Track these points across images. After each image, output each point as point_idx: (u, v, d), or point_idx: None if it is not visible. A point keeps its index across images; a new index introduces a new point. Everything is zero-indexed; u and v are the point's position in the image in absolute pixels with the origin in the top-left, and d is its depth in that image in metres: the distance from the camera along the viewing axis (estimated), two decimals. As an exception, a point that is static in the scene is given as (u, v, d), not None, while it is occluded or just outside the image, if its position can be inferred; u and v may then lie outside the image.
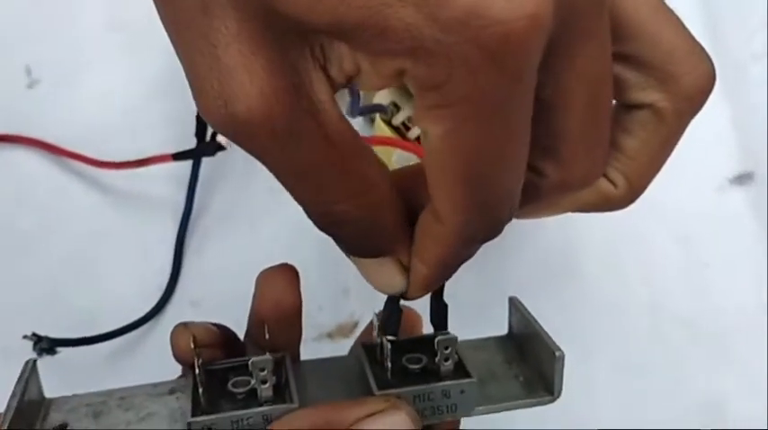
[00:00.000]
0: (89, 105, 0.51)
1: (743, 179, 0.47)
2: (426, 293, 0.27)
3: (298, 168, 0.22)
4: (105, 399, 0.29)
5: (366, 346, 0.29)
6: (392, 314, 0.28)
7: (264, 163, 0.22)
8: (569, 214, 0.46)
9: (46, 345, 0.39)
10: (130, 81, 0.52)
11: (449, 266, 0.25)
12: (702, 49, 0.27)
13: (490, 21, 0.18)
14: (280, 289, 0.29)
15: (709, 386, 0.42)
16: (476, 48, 0.18)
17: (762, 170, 0.47)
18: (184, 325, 0.29)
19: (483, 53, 0.18)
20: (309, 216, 0.23)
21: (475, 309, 0.40)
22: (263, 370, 0.26)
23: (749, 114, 0.49)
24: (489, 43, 0.18)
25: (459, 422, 0.31)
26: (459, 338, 0.28)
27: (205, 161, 0.46)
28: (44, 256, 0.46)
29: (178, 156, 0.45)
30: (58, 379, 0.41)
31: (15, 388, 0.27)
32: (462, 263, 0.25)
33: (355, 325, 0.43)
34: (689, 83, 0.26)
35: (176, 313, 0.44)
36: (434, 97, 0.20)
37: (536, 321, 0.30)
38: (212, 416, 0.26)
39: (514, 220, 0.25)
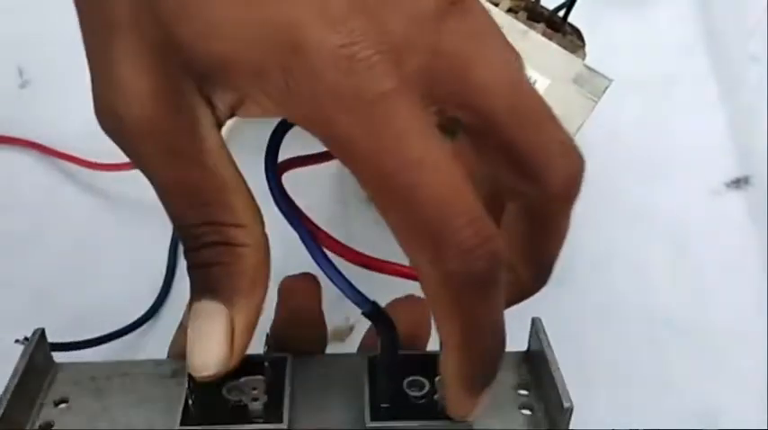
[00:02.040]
0: (81, 106, 0.50)
1: (740, 183, 0.47)
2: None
3: (168, 184, 0.23)
4: (110, 374, 0.29)
5: (371, 359, 0.29)
6: (387, 339, 0.27)
7: (141, 170, 0.24)
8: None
9: (38, 349, 0.38)
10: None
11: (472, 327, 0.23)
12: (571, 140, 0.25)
13: None
14: (302, 297, 0.31)
15: (703, 393, 0.41)
16: None
17: (759, 174, 0.47)
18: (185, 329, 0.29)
19: None
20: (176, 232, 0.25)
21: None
22: (254, 388, 0.26)
23: (746, 117, 0.49)
24: None
25: None
26: None
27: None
28: (37, 259, 0.45)
29: (172, 158, 0.44)
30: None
31: (20, 357, 0.28)
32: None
33: (351, 329, 0.43)
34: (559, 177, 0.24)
35: (172, 316, 0.44)
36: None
37: (553, 357, 0.29)
38: (199, 428, 0.26)
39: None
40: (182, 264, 0.45)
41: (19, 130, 0.49)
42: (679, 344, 0.43)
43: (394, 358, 0.27)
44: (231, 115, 0.24)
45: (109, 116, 0.23)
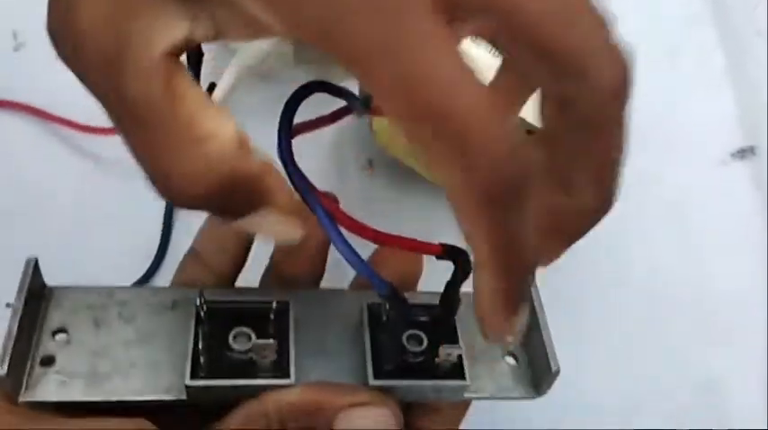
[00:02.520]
0: (77, 70, 0.50)
1: (745, 153, 0.47)
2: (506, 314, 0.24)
3: (127, 108, 0.21)
4: (106, 302, 0.29)
5: (370, 309, 0.29)
6: (398, 317, 0.28)
7: (95, 94, 0.22)
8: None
9: (31, 313, 0.38)
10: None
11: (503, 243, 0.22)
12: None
13: None
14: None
15: (705, 364, 0.41)
16: None
17: (764, 144, 0.47)
18: (195, 255, 0.31)
19: None
20: (152, 183, 0.23)
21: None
22: (264, 349, 0.26)
23: (752, 88, 0.49)
24: None
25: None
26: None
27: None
28: (31, 223, 0.45)
29: (168, 122, 0.44)
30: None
31: (18, 291, 0.28)
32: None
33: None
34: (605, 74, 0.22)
35: (167, 279, 0.43)
36: None
37: (545, 321, 0.30)
38: (211, 382, 0.26)
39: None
40: (177, 228, 0.45)
41: (13, 94, 0.48)
42: (680, 315, 0.42)
43: (400, 334, 0.28)
44: (215, 36, 0.21)
45: (63, 18, 0.21)
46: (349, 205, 0.44)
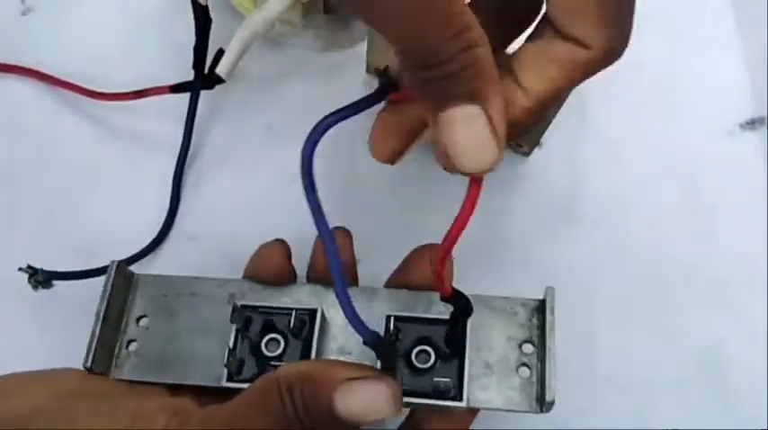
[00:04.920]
0: (84, 34, 0.50)
1: (755, 124, 0.46)
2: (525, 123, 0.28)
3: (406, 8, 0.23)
4: (180, 292, 0.34)
5: (388, 320, 0.32)
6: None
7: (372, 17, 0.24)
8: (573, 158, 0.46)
9: (41, 278, 0.38)
10: (128, 10, 0.50)
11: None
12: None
13: None
14: (342, 250, 0.33)
15: (707, 331, 0.41)
16: None
17: (774, 115, 0.46)
18: (283, 241, 0.35)
19: None
20: (407, 56, 0.24)
21: (477, 250, 0.39)
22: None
23: (763, 58, 0.48)
24: None
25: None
26: (457, 283, 0.29)
27: (203, 95, 0.45)
28: (38, 188, 0.45)
29: (176, 89, 0.43)
30: (54, 312, 0.41)
31: (102, 290, 0.33)
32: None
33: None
34: None
35: (174, 247, 0.44)
36: None
37: (553, 347, 0.30)
38: (243, 385, 0.30)
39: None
40: (185, 193, 0.45)
41: (20, 58, 0.48)
42: (684, 282, 0.42)
43: (407, 353, 0.31)
44: None
45: None
46: (357, 178, 0.45)
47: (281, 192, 0.41)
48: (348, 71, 0.47)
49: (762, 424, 0.39)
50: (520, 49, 0.29)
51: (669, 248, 0.43)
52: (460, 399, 0.30)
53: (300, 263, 0.35)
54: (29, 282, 0.38)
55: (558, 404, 0.29)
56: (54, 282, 0.39)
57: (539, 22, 0.29)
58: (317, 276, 0.34)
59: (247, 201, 0.45)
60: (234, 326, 0.32)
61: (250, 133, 0.46)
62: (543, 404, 0.30)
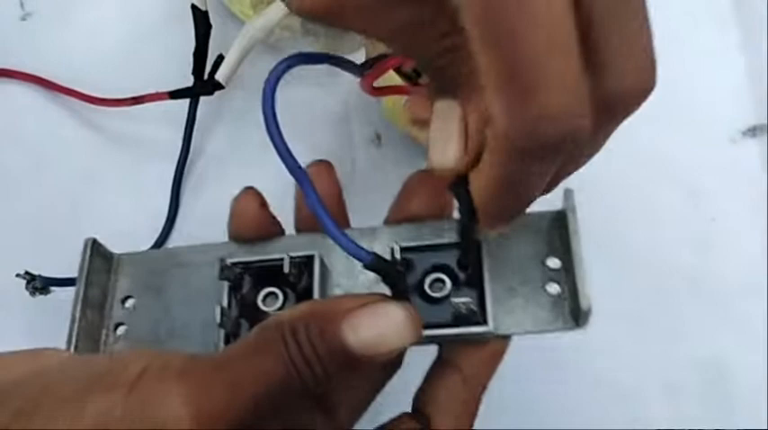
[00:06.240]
0: (84, 40, 0.50)
1: (756, 131, 0.46)
2: (496, 221, 0.25)
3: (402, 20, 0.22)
4: (165, 266, 0.31)
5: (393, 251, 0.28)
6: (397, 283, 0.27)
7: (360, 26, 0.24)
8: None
9: (39, 284, 0.38)
10: (127, 15, 0.50)
11: (509, 182, 0.23)
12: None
13: None
14: (325, 181, 0.31)
15: (708, 340, 0.41)
16: None
17: (776, 123, 0.46)
18: (252, 188, 0.32)
19: None
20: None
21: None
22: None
23: (764, 66, 0.48)
24: None
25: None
26: None
27: (202, 101, 0.45)
28: (37, 194, 0.45)
29: (176, 95, 0.43)
30: (51, 318, 0.40)
31: (79, 270, 0.30)
32: (524, 184, 0.23)
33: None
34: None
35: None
36: None
37: (579, 252, 0.28)
38: None
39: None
40: (184, 200, 0.45)
41: (20, 64, 0.48)
42: (685, 291, 0.42)
43: (420, 281, 0.28)
44: None
45: None
46: (358, 177, 0.45)
47: (280, 198, 0.41)
48: (347, 76, 0.47)
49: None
50: None
51: (670, 256, 0.43)
52: (485, 323, 0.27)
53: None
54: (26, 288, 0.38)
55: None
56: (52, 288, 0.38)
57: None
58: (306, 224, 0.32)
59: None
60: (226, 284, 0.29)
61: (249, 139, 0.46)
62: (579, 316, 0.27)
